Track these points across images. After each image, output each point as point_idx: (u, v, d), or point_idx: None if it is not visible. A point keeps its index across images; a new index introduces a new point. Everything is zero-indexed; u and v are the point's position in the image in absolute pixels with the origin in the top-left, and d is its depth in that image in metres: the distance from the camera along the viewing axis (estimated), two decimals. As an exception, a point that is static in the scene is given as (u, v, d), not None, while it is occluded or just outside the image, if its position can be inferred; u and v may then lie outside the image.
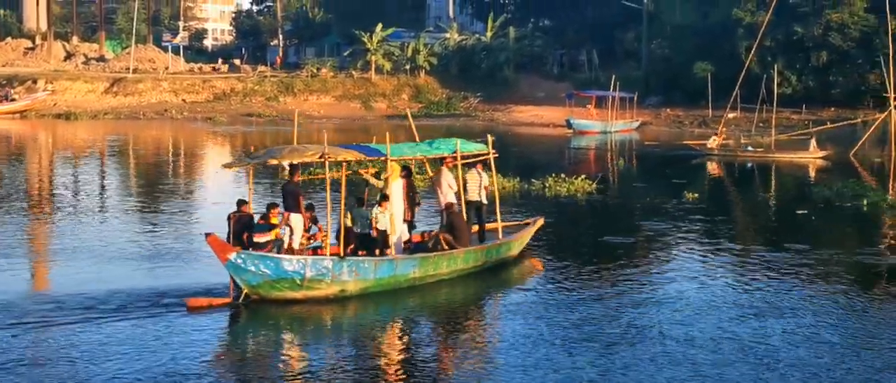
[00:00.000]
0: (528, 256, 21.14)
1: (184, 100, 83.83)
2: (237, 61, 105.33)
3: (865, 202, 29.20)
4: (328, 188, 17.41)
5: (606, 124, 67.10)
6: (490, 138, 20.77)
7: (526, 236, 21.16)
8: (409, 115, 24.15)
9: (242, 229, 17.03)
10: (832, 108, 70.12)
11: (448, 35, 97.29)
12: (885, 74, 50.98)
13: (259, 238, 16.85)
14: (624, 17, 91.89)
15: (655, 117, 75.68)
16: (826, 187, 32.76)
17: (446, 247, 18.30)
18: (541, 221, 22.24)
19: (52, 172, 40.50)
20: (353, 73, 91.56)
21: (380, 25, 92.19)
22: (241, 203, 17.61)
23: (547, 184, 32.78)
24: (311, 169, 24.78)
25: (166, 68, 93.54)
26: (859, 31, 69.64)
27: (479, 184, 20.25)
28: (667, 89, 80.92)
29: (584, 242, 23.86)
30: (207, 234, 16.27)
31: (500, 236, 20.17)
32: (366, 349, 14.70)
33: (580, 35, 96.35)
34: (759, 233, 25.42)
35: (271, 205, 17.50)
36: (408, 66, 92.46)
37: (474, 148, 20.48)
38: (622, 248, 22.53)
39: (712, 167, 44.04)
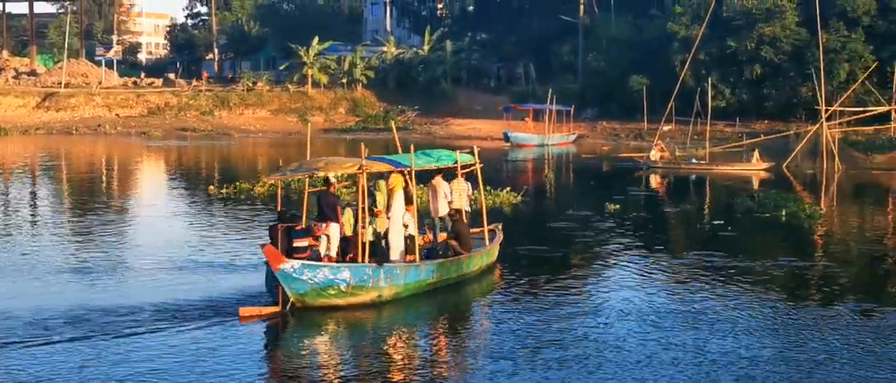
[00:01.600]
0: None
1: (117, 114, 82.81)
2: (172, 75, 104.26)
3: (784, 212, 29.48)
4: (363, 198, 17.68)
5: (544, 137, 67.33)
6: (476, 150, 21.37)
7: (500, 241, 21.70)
8: (394, 128, 24.08)
9: (286, 239, 17.15)
10: (765, 121, 71.08)
11: (385, 48, 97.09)
12: (817, 87, 51.74)
13: (298, 242, 17.00)
14: (560, 30, 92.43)
15: (592, 130, 76.10)
16: (749, 198, 33.06)
17: (454, 253, 19.19)
18: (501, 226, 22.53)
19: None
20: (290, 86, 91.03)
21: (316, 39, 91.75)
22: (282, 214, 17.79)
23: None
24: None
25: (100, 83, 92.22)
26: (791, 44, 70.64)
27: (464, 193, 21.02)
28: (603, 102, 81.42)
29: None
30: (263, 245, 16.67)
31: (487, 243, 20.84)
32: (415, 350, 15.45)
33: (517, 48, 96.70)
34: (672, 243, 25.49)
35: (316, 222, 18.03)
36: (345, 80, 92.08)
37: (468, 159, 21.05)
38: (540, 259, 22.52)
39: (654, 179, 44.19)
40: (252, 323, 16.04)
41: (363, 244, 17.75)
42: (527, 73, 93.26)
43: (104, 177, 44.94)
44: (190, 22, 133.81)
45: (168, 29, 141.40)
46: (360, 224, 17.84)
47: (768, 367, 13.72)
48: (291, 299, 16.32)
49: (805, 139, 49.07)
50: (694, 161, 49.89)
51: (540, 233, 25.72)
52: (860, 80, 60.84)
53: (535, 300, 18.19)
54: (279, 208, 18.84)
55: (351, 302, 16.85)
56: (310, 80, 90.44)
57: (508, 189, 33.57)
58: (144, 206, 33.28)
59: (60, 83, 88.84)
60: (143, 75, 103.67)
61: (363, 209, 17.67)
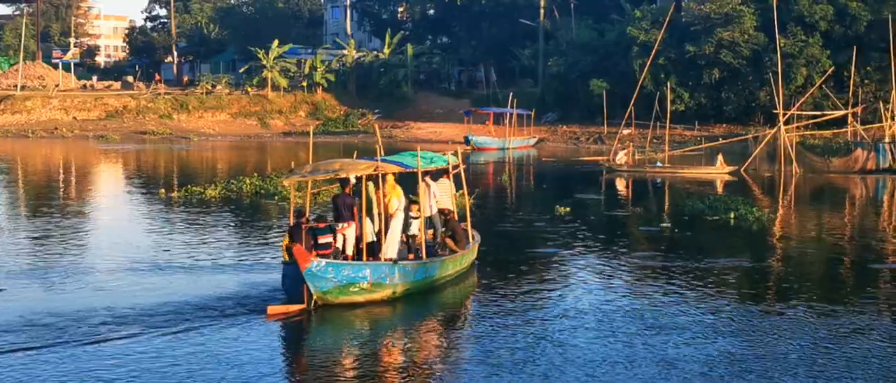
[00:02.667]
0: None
1: (75, 118, 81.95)
2: (130, 78, 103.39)
3: (733, 215, 29.66)
4: (380, 200, 18.54)
5: (505, 141, 67.37)
6: (460, 152, 22.08)
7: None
8: (378, 131, 24.31)
9: (311, 237, 17.60)
10: (724, 125, 71.61)
11: (346, 52, 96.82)
12: (775, 91, 52.09)
13: (323, 239, 17.58)
14: (521, 34, 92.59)
15: (552, 134, 76.28)
16: (700, 201, 33.28)
17: (451, 251, 19.72)
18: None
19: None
20: (249, 90, 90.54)
21: (276, 42, 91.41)
22: (300, 214, 18.28)
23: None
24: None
25: (56, 85, 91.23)
26: (750, 49, 71.15)
27: (450, 193, 21.45)
28: (563, 106, 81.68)
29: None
30: (293, 244, 16.89)
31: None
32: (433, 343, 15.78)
33: (478, 52, 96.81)
34: (613, 245, 25.24)
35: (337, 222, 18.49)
36: (305, 83, 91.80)
37: (454, 161, 21.55)
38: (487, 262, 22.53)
39: (617, 183, 44.20)
40: (277, 321, 16.37)
41: (368, 244, 18.37)
42: (488, 77, 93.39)
43: (60, 181, 44.39)
44: (149, 24, 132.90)
45: (126, 31, 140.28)
46: (364, 224, 18.46)
47: (706, 366, 13.77)
48: (314, 297, 16.70)
49: (763, 143, 49.36)
50: (659, 164, 50.05)
51: (484, 236, 25.62)
52: (817, 85, 61.39)
53: (488, 299, 18.37)
54: (293, 209, 19.32)
55: (369, 298, 17.38)
56: (270, 83, 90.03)
57: (459, 192, 33.32)
58: (100, 210, 32.87)
59: (16, 86, 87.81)
60: (94, 78, 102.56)
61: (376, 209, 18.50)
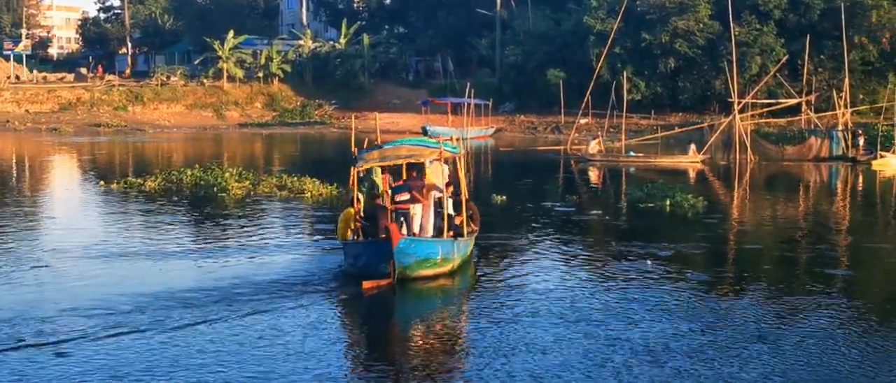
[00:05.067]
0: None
1: (27, 110, 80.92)
2: (83, 70, 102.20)
3: (668, 202, 29.85)
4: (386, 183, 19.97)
5: (462, 131, 67.23)
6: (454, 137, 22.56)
7: None
8: (377, 119, 24.30)
9: (382, 215, 18.78)
10: (680, 113, 72.06)
11: (302, 42, 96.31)
12: (729, 80, 52.45)
13: (399, 197, 19.31)
14: (478, 24, 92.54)
15: (510, 124, 76.37)
16: (639, 189, 33.49)
17: (471, 231, 20.42)
18: None
19: None
20: (205, 81, 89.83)
21: (231, 33, 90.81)
22: (374, 196, 19.81)
23: (363, 190, 32.18)
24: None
25: (8, 78, 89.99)
26: (705, 38, 71.63)
27: (443, 177, 21.54)
28: (521, 96, 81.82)
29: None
30: (389, 224, 17.87)
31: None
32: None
33: (435, 42, 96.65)
34: (534, 231, 25.13)
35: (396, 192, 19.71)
36: (261, 74, 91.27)
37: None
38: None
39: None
40: (373, 294, 17.26)
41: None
42: (445, 67, 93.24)
43: (13, 173, 43.76)
44: (102, 15, 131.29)
45: (80, 23, 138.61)
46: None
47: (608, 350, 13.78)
48: (397, 271, 17.53)
49: (718, 131, 49.67)
50: (632, 154, 50.20)
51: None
52: (772, 73, 61.87)
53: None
54: (355, 191, 20.25)
55: (436, 272, 18.46)
56: (225, 74, 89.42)
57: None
58: (48, 201, 32.43)
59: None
60: (35, 72, 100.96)
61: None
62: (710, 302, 16.99)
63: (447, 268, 18.70)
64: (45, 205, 31.57)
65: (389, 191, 19.81)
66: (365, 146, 21.07)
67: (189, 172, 36.29)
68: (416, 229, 19.41)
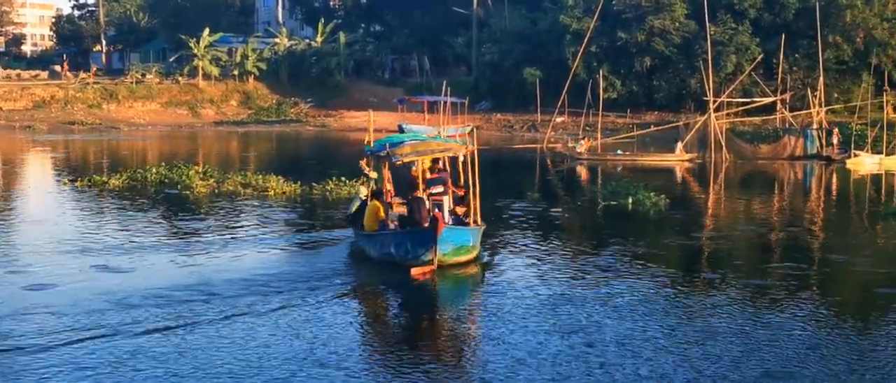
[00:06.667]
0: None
1: (0, 108, 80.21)
2: (58, 67, 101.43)
3: (631, 200, 29.96)
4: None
5: (438, 129, 67.14)
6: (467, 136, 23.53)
7: None
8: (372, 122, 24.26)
9: (421, 206, 19.85)
10: (656, 112, 72.21)
11: (277, 40, 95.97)
12: (705, 78, 52.61)
13: (435, 189, 20.74)
14: (455, 22, 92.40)
15: (486, 122, 76.33)
16: (603, 187, 33.50)
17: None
18: None
19: None
20: (180, 79, 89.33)
21: (207, 30, 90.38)
22: (413, 188, 20.74)
23: (328, 188, 32.21)
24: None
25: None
26: (681, 37, 71.83)
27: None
28: (497, 94, 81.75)
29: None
30: (434, 216, 18.68)
31: None
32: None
33: (411, 40, 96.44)
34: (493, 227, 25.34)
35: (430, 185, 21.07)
36: (236, 72, 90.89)
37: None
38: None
39: (581, 171, 44.19)
40: (422, 279, 18.23)
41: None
42: (421, 66, 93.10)
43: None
44: (76, 13, 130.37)
45: (54, 20, 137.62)
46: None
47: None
48: (437, 258, 18.52)
49: (693, 130, 49.82)
50: (619, 152, 50.28)
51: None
52: (747, 72, 62.17)
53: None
54: (370, 183, 21.83)
55: (467, 258, 19.56)
56: (200, 72, 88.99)
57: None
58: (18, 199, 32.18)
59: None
60: (7, 70, 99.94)
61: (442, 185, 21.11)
62: (659, 298, 17.17)
63: (473, 255, 19.79)
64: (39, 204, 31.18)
65: (425, 185, 20.83)
66: (373, 142, 22.37)
67: (154, 170, 36.09)
68: (447, 219, 20.35)
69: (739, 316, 15.80)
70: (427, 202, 20.28)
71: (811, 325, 15.26)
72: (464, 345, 14.57)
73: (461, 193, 21.21)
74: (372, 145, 22.30)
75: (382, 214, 20.48)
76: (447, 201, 21.11)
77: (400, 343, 14.70)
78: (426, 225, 18.93)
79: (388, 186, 22.24)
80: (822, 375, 12.79)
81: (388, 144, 21.04)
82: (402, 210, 21.10)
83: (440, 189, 20.95)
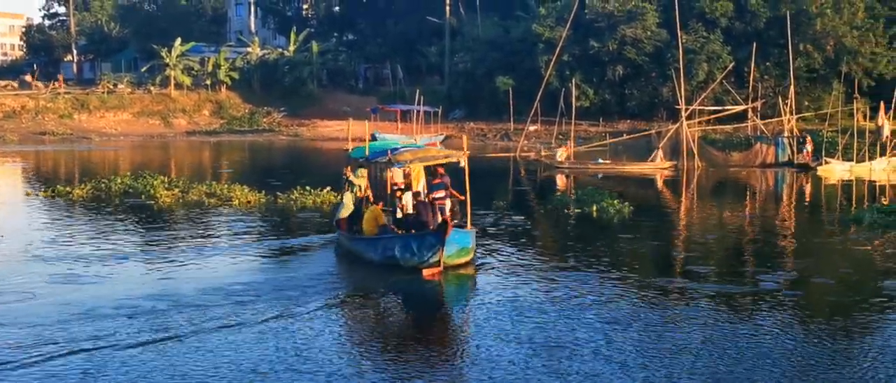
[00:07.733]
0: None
1: (-31, 119, 79.60)
2: (28, 77, 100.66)
3: (595, 207, 30.05)
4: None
5: (411, 138, 67.10)
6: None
7: None
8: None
9: (426, 210, 20.47)
10: (628, 120, 72.39)
11: (250, 49, 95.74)
12: (677, 87, 52.81)
13: (437, 194, 21.37)
14: (428, 31, 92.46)
15: (459, 131, 76.24)
16: (568, 194, 33.47)
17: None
18: None
19: None
20: (152, 88, 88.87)
21: (179, 40, 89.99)
22: (417, 195, 21.67)
23: (293, 197, 32.10)
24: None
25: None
26: (652, 45, 72.11)
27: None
28: (470, 103, 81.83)
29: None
30: (445, 220, 19.38)
31: None
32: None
33: (384, 49, 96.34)
34: None
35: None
36: (209, 82, 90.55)
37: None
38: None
39: (560, 180, 44.16)
40: (433, 280, 19.12)
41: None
42: (394, 75, 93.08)
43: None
44: (47, 22, 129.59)
45: (24, 29, 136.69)
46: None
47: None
48: (442, 260, 19.34)
49: (665, 138, 49.99)
50: (600, 161, 50.34)
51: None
52: (718, 80, 62.45)
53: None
54: (354, 189, 22.29)
55: (466, 260, 20.45)
56: (172, 81, 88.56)
57: (328, 188, 32.57)
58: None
59: None
60: None
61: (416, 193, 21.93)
62: (612, 304, 17.28)
63: (469, 257, 20.59)
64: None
65: (427, 189, 21.89)
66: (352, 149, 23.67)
67: (118, 180, 35.88)
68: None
69: (701, 324, 15.81)
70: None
71: (771, 333, 15.26)
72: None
73: (462, 198, 21.86)
74: (351, 152, 23.28)
75: (383, 219, 21.18)
76: (448, 205, 21.70)
77: (400, 343, 14.85)
78: (433, 228, 19.54)
79: (368, 192, 22.83)
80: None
81: (389, 151, 21.70)
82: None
83: (442, 194, 21.61)
